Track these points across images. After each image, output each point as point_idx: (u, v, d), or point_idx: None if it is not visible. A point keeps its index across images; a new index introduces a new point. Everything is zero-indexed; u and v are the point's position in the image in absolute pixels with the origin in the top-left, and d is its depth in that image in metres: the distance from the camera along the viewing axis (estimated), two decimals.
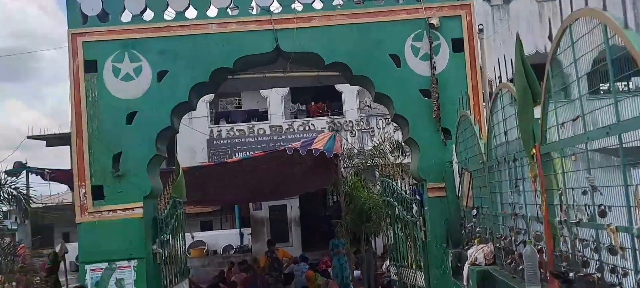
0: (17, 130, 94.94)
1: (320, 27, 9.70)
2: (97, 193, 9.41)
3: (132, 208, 9.37)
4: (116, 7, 9.73)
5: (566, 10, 21.30)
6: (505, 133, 6.09)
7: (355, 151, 23.01)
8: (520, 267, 5.75)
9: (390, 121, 24.63)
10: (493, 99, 6.55)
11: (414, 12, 9.62)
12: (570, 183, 4.40)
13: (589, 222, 4.05)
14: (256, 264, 19.37)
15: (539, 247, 5.13)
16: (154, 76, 9.61)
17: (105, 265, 9.21)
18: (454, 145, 9.13)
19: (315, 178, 18.85)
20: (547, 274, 4.81)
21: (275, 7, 9.73)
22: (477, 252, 6.98)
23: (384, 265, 19.27)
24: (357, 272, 18.42)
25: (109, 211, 9.36)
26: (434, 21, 9.47)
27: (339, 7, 9.83)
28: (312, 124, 26.01)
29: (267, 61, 10.32)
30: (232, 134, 26.00)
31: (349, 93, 26.18)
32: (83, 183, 9.39)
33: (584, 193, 4.05)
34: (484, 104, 9.72)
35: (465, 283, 7.14)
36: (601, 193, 3.86)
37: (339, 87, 25.75)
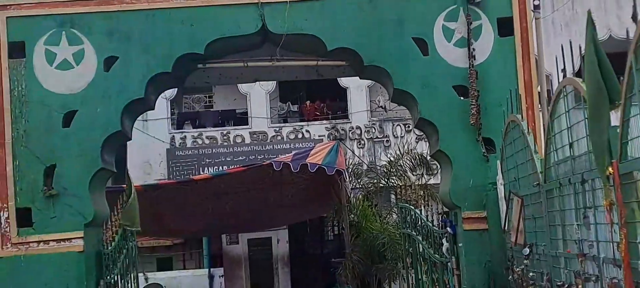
0: None
1: (320, 2, 9.64)
2: (24, 218, 9.28)
3: (69, 240, 9.25)
4: None
5: None
6: (571, 146, 6.02)
7: (365, 167, 22.92)
8: None
9: (412, 128, 24.69)
10: (554, 100, 6.47)
11: None
12: None
13: None
14: None
15: None
16: (99, 64, 9.51)
17: None
18: (498, 162, 9.03)
19: (311, 203, 18.82)
20: None
21: None
22: None
23: None
24: None
25: (38, 242, 9.23)
26: None
27: None
28: (307, 130, 25.92)
29: (249, 46, 10.21)
30: (199, 141, 25.92)
31: (356, 90, 26.11)
32: (5, 205, 9.25)
33: None
34: (540, 106, 9.62)
35: None
36: None
37: (344, 81, 25.64)
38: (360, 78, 10.83)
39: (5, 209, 9.26)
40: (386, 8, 9.60)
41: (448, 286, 9.90)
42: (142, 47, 9.57)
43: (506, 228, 8.72)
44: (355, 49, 9.61)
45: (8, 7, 9.48)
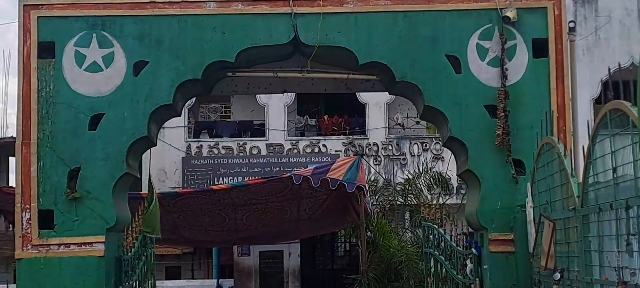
0: None
1: (354, 15, 9.52)
2: (46, 220, 9.20)
3: (90, 243, 9.17)
4: None
5: None
6: (614, 170, 5.92)
7: (380, 184, 22.88)
8: None
9: (429, 147, 24.66)
10: (597, 123, 6.37)
11: (481, 0, 9.51)
12: None
13: None
14: None
15: None
16: (129, 68, 9.44)
17: None
18: (529, 184, 8.92)
19: (328, 218, 18.76)
20: None
21: None
22: None
23: None
24: None
25: (59, 245, 9.16)
26: (510, 14, 9.25)
27: None
28: (324, 145, 25.93)
29: (279, 56, 10.09)
30: (216, 151, 25.96)
31: (375, 106, 26.13)
32: (28, 206, 9.18)
33: None
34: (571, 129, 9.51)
35: None
36: None
37: (363, 97, 25.65)
38: (390, 93, 10.71)
39: (28, 210, 9.19)
40: (421, 24, 9.51)
41: None
42: (172, 52, 9.48)
43: (535, 252, 8.61)
44: (388, 64, 9.51)
45: (40, 7, 9.44)
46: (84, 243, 9.18)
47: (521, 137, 9.26)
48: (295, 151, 25.85)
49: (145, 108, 9.46)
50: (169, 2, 9.56)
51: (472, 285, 9.65)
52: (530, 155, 9.00)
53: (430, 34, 9.49)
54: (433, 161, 24.71)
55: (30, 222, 9.19)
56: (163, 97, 9.49)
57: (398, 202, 21.70)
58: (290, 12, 9.45)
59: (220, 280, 31.82)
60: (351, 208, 16.72)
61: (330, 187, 14.89)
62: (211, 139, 26.44)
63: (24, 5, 9.44)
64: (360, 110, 26.55)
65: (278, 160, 25.58)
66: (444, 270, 10.93)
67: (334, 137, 26.20)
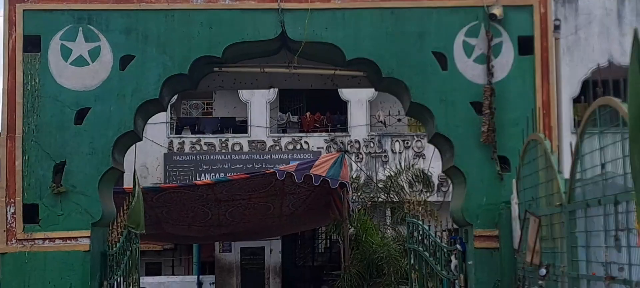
0: None
1: (341, 11, 9.50)
2: (30, 214, 9.13)
3: (76, 238, 9.11)
4: None
5: None
6: (603, 166, 5.93)
7: (362, 181, 22.87)
8: None
9: (410, 144, 24.67)
10: (585, 120, 6.39)
11: None
12: None
13: None
14: None
15: None
16: (115, 62, 9.38)
17: None
18: (514, 181, 8.94)
19: (310, 214, 18.75)
20: None
21: None
22: None
23: None
24: None
25: (44, 240, 9.09)
26: (497, 11, 9.25)
27: None
28: (306, 142, 25.88)
29: (266, 52, 10.05)
30: (198, 147, 25.87)
31: (357, 104, 26.10)
32: (12, 200, 9.12)
33: None
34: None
35: None
36: None
37: (345, 94, 25.63)
38: (376, 90, 10.66)
39: (12, 204, 9.12)
40: (408, 20, 9.49)
41: None
42: (159, 47, 9.42)
43: (519, 248, 8.63)
44: (375, 60, 9.49)
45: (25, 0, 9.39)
46: (69, 238, 9.12)
47: (507, 133, 9.27)
48: (277, 148, 25.79)
49: (132, 103, 9.41)
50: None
51: (457, 281, 9.67)
52: (516, 152, 9.01)
53: (416, 30, 9.48)
54: (415, 158, 24.72)
55: (14, 216, 9.12)
56: (150, 91, 9.44)
57: (380, 199, 21.72)
58: (277, 7, 9.42)
59: (201, 277, 31.74)
60: (333, 204, 16.73)
61: (313, 183, 14.88)
62: (193, 135, 26.32)
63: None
64: (342, 107, 26.54)
65: (260, 156, 25.52)
66: (428, 266, 10.94)
67: (316, 134, 26.18)
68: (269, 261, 26.42)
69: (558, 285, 7.26)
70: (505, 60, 9.41)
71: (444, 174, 10.50)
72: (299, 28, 9.44)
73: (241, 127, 26.68)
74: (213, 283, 28.20)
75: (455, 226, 10.60)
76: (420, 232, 11.21)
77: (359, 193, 20.82)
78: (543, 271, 7.58)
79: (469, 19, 9.44)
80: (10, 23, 9.32)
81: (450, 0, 9.50)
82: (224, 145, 25.81)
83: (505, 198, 9.13)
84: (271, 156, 25.41)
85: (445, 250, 10.20)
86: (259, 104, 26.20)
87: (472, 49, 9.42)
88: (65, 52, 9.35)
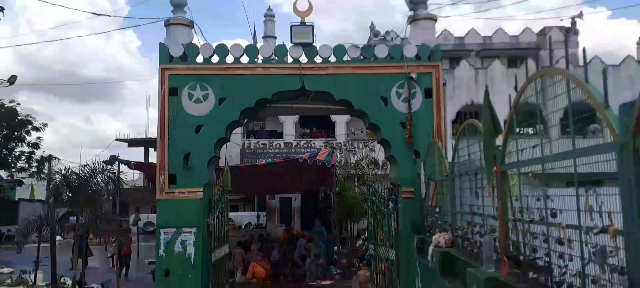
0: (105, 135, 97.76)
1: (333, 75, 9.44)
2: (172, 179, 9.16)
3: (195, 192, 9.14)
4: (193, 52, 9.50)
5: (494, 76, 21.32)
6: (469, 155, 5.94)
7: (343, 163, 22.84)
8: (475, 250, 5.60)
9: (375, 143, 24.62)
10: (460, 130, 6.38)
11: (399, 68, 9.34)
12: (525, 193, 4.26)
13: (541, 221, 3.90)
14: (271, 237, 19.10)
15: (494, 237, 4.98)
16: (216, 101, 9.38)
17: (174, 230, 8.96)
18: (422, 163, 8.89)
19: (315, 181, 18.61)
20: (503, 257, 4.63)
21: (303, 58, 9.50)
22: (440, 238, 6.83)
23: (357, 243, 19.04)
24: (337, 248, 18.21)
25: (179, 193, 9.13)
26: (413, 75, 9.24)
27: (347, 61, 9.56)
28: (314, 143, 25.88)
29: (294, 96, 9.99)
30: (257, 146, 25.84)
31: (340, 123, 26.09)
32: (163, 172, 9.15)
33: (538, 200, 3.91)
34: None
35: (429, 259, 6.97)
36: (552, 201, 3.72)
37: (333, 118, 25.63)
38: (351, 116, 10.61)
39: (163, 174, 9.14)
40: (368, 80, 9.39)
41: (391, 226, 9.79)
42: (239, 93, 9.39)
43: (425, 197, 8.59)
44: (351, 100, 9.44)
45: (170, 68, 9.37)
46: (192, 192, 9.13)
47: (417, 138, 9.21)
48: (299, 146, 25.80)
49: (224, 122, 9.40)
50: (237, 67, 9.49)
51: (392, 215, 9.67)
52: (422, 148, 9.02)
53: (372, 85, 9.41)
54: (370, 152, 24.67)
55: (164, 181, 9.13)
56: (234, 116, 9.42)
57: (351, 173, 21.71)
58: (300, 73, 9.41)
59: (258, 213, 31.54)
60: (328, 176, 16.64)
61: (317, 164, 14.80)
62: (255, 139, 26.32)
63: (162, 68, 9.37)
64: (332, 125, 26.52)
65: (290, 150, 25.48)
66: (377, 207, 10.92)
67: (319, 139, 26.18)
68: (294, 205, 26.39)
69: (445, 216, 7.25)
70: (418, 101, 9.35)
71: (385, 159, 10.38)
72: (312, 83, 9.42)
73: (280, 135, 26.64)
74: (265, 215, 28.21)
75: (391, 186, 10.54)
76: (373, 190, 11.20)
77: (340, 170, 20.74)
78: (437, 209, 7.57)
79: (399, 79, 9.37)
80: (161, 81, 9.32)
81: (389, 70, 9.44)
82: (271, 144, 25.78)
83: (417, 172, 9.07)
84: (296, 150, 25.34)
85: (386, 198, 10.19)
86: (289, 123, 26.19)
87: (400, 95, 9.36)
88: (190, 96, 9.34)
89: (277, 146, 25.85)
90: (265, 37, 26.50)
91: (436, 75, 9.38)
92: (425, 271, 7.60)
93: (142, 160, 31.07)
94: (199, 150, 9.27)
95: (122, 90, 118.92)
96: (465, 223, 6.09)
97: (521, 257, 4.29)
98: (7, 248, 29.78)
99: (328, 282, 13.97)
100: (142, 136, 39.84)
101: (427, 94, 9.38)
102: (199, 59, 9.53)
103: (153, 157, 41.14)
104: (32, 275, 13.03)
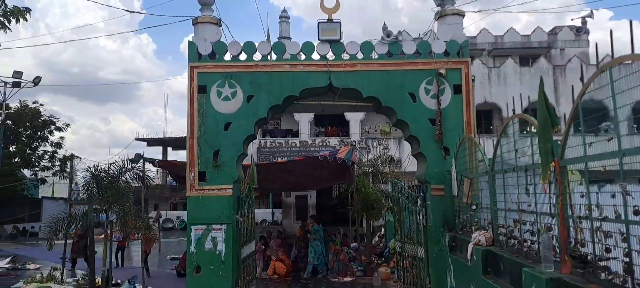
0: (122, 135, 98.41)
1: (361, 71, 9.12)
2: (202, 176, 8.87)
3: (225, 189, 8.84)
4: (221, 50, 9.21)
5: (507, 74, 20.89)
6: (516, 151, 5.57)
7: (358, 161, 22.46)
8: (525, 249, 5.24)
9: (389, 141, 24.24)
10: (504, 125, 6.01)
11: (428, 64, 9.03)
12: (593, 189, 3.88)
13: (617, 219, 3.53)
14: (287, 233, 18.77)
15: (551, 235, 4.61)
16: (244, 98, 9.08)
17: (204, 226, 8.67)
18: (453, 159, 8.52)
19: (333, 177, 18.22)
20: (563, 256, 4.27)
21: (330, 55, 9.19)
22: (480, 236, 6.47)
23: (373, 240, 18.68)
24: (354, 244, 17.87)
25: (209, 190, 8.83)
26: (442, 71, 8.91)
27: (375, 57, 9.24)
28: (328, 141, 25.42)
29: (321, 93, 9.71)
30: (273, 144, 25.45)
31: (354, 122, 25.68)
32: (193, 169, 8.85)
33: (613, 196, 3.55)
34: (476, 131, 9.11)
35: (469, 257, 6.62)
36: (633, 197, 3.36)
37: (348, 116, 25.26)
38: (377, 112, 10.11)
39: (193, 171, 8.87)
40: (396, 76, 9.06)
41: (420, 223, 9.41)
42: (267, 90, 9.10)
43: (457, 194, 8.21)
44: (378, 97, 9.11)
45: (198, 66, 9.07)
46: (221, 189, 8.83)
47: (448, 135, 8.87)
48: (314, 144, 25.36)
49: (253, 119, 9.11)
50: (264, 65, 9.18)
51: (421, 212, 9.29)
52: (452, 144, 8.66)
53: (400, 82, 9.09)
54: (384, 150, 24.28)
55: (194, 177, 8.84)
56: (262, 113, 9.13)
57: (366, 171, 21.29)
58: (327, 70, 9.08)
59: (273, 210, 31.25)
60: (346, 173, 16.25)
61: (337, 162, 14.44)
62: (271, 138, 25.95)
63: (191, 66, 9.09)
64: (347, 124, 26.12)
65: (305, 149, 25.08)
66: (403, 204, 10.54)
67: (333, 138, 25.76)
68: (309, 202, 26.00)
69: (480, 214, 6.90)
70: (447, 97, 9.01)
71: (412, 155, 10.00)
72: (339, 80, 9.09)
73: (295, 133, 26.28)
74: (281, 212, 27.92)
75: (417, 183, 10.18)
76: (399, 187, 10.83)
77: (356, 168, 20.33)
78: (474, 207, 7.21)
79: (428, 75, 9.05)
80: (191, 79, 9.04)
81: (418, 66, 9.10)
82: (286, 143, 25.44)
83: (447, 168, 8.74)
84: (311, 149, 24.97)
85: (413, 195, 9.82)
86: (304, 122, 25.82)
87: (429, 91, 9.04)
88: (219, 94, 9.06)
89: (293, 144, 25.45)
90: (280, 38, 26.17)
91: (465, 70, 9.02)
92: (461, 269, 7.25)
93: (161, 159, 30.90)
94: (228, 147, 8.97)
95: (138, 92, 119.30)
96: (511, 221, 5.73)
97: (588, 257, 3.93)
98: (32, 244, 29.72)
99: (349, 279, 13.62)
100: (160, 136, 39.82)
101: (456, 89, 9.03)
102: (227, 56, 9.26)
103: (170, 156, 41.01)
104: (60, 272, 12.81)
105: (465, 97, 8.98)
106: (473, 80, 9.55)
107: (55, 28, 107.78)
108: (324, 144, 25.28)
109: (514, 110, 6.25)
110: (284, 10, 24.93)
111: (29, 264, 17.94)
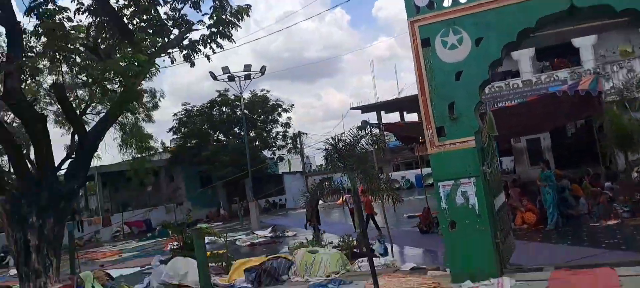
0: (333, 107, 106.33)
1: None
2: (440, 132, 8.59)
3: (466, 141, 8.40)
4: None
5: None
6: None
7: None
8: None
9: (634, 62, 20.80)
10: None
11: None
12: None
13: None
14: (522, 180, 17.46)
15: None
16: (472, 43, 8.42)
17: (452, 182, 8.40)
18: None
19: (572, 114, 16.36)
20: None
21: None
22: None
23: (633, 175, 16.26)
24: (608, 184, 15.80)
25: (450, 144, 8.52)
26: None
27: None
28: (556, 76, 22.88)
29: (557, 19, 8.51)
30: (493, 90, 23.87)
31: (584, 48, 22.59)
32: (429, 126, 8.63)
33: None
34: None
35: None
36: None
37: (576, 43, 22.35)
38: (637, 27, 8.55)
39: (430, 128, 8.63)
40: None
41: None
42: (496, 29, 8.30)
43: None
44: (637, 8, 7.56)
45: (418, 20, 8.76)
46: (463, 141, 8.44)
47: None
48: (539, 82, 23.02)
49: (485, 63, 8.42)
50: (489, 1, 8.38)
51: None
52: None
53: None
54: (628, 73, 20.86)
55: (432, 134, 8.65)
56: (495, 55, 8.39)
57: (611, 99, 18.52)
58: None
59: (500, 158, 29.64)
60: (590, 106, 14.31)
61: (580, 94, 12.79)
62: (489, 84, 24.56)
63: (410, 21, 8.81)
64: (576, 52, 23.06)
65: (529, 88, 23.00)
66: None
67: (561, 71, 23.02)
68: (543, 144, 23.92)
69: None
70: None
71: None
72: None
73: (516, 74, 24.25)
74: (512, 160, 26.44)
75: None
76: None
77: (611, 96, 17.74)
78: None
79: None
80: (412, 34, 8.79)
81: None
82: (507, 86, 23.63)
83: None
84: (536, 87, 22.84)
85: None
86: (524, 59, 23.66)
87: None
88: (444, 43, 8.60)
89: (515, 86, 23.50)
90: None
91: None
92: None
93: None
94: (462, 97, 8.51)
95: (340, 64, 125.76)
96: None
97: None
98: (281, 214, 33.90)
99: (614, 222, 12.02)
100: (371, 102, 41.26)
101: None
102: (446, 2, 8.73)
103: (384, 119, 42.11)
104: (314, 238, 14.13)
105: None
106: None
107: (262, 21, 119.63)
108: (551, 79, 22.85)
109: None
110: None
111: (286, 232, 20.43)
